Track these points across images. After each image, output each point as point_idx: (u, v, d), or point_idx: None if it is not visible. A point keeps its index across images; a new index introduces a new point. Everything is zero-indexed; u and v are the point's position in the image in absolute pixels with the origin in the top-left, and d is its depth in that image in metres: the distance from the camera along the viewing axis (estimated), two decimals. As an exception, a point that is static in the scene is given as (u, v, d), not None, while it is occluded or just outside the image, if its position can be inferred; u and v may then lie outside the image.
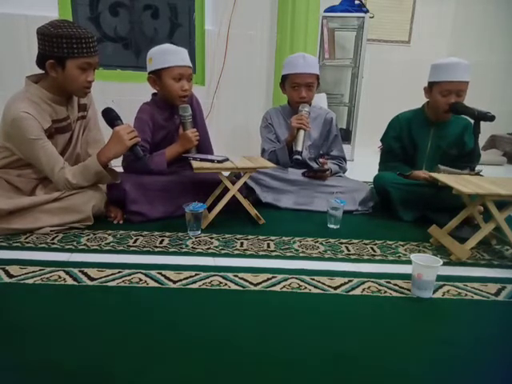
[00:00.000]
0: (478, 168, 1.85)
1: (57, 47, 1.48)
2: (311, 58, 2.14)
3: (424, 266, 1.19)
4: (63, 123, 1.66)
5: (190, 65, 1.86)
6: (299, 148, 2.00)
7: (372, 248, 1.60)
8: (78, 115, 1.74)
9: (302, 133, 2.03)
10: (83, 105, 1.76)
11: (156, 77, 1.83)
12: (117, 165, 1.84)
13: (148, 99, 1.95)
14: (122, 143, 1.60)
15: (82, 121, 1.77)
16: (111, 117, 1.65)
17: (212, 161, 1.70)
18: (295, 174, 2.13)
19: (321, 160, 2.19)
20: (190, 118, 1.85)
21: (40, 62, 1.54)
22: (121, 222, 1.73)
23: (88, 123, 1.80)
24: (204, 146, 2.00)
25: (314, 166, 2.21)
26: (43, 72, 1.57)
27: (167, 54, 1.80)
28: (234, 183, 1.74)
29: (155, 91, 1.92)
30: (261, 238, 1.65)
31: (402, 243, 1.66)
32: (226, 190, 1.74)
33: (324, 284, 1.28)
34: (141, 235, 1.62)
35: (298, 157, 2.01)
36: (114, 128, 1.63)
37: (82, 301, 1.13)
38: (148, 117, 1.86)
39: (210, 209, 1.74)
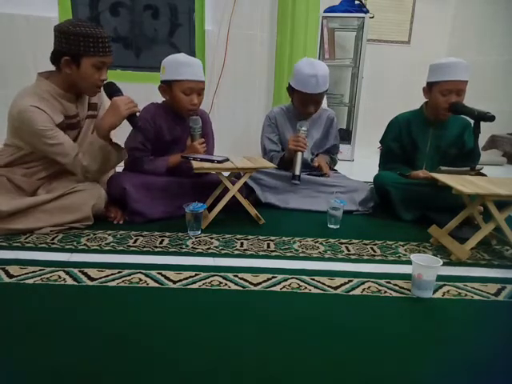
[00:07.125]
0: (477, 167, 1.85)
1: (74, 44, 1.51)
2: (324, 76, 2.02)
3: (424, 266, 1.19)
4: (73, 120, 1.67)
5: (203, 79, 1.83)
6: (297, 172, 2.01)
7: (372, 248, 1.60)
8: (87, 113, 1.75)
9: (299, 155, 2.02)
10: (94, 104, 1.78)
11: (167, 86, 1.82)
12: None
13: (148, 100, 1.94)
14: (118, 113, 1.58)
15: (92, 120, 1.78)
16: (112, 90, 1.64)
17: (212, 161, 1.70)
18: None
19: (315, 162, 2.19)
20: (199, 130, 1.85)
21: (55, 58, 1.56)
22: (121, 222, 1.73)
23: None
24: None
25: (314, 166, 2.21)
26: (54, 69, 1.59)
27: (180, 66, 1.77)
28: (233, 183, 1.74)
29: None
30: (261, 237, 1.65)
31: (402, 243, 1.66)
32: (226, 190, 1.74)
33: (324, 284, 1.28)
34: (141, 235, 1.62)
35: (297, 182, 2.01)
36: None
37: (81, 301, 1.13)
38: (150, 117, 1.84)
39: (210, 209, 1.74)
